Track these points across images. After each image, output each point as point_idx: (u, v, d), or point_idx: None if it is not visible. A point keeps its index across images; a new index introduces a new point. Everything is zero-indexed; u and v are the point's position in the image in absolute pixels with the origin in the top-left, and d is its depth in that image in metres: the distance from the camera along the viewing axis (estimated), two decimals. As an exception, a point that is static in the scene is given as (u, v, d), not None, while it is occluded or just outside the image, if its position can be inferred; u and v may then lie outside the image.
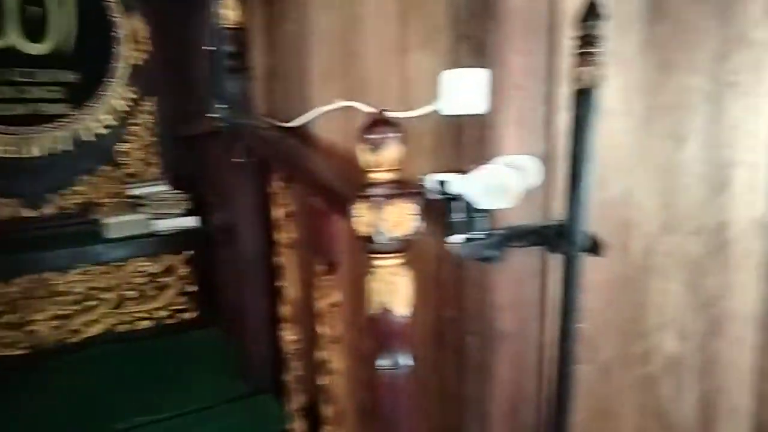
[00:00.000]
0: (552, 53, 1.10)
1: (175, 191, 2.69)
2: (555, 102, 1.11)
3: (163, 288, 2.62)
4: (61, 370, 2.36)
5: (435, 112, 1.17)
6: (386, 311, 1.09)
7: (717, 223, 1.43)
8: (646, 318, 1.35)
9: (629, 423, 1.40)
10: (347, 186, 1.15)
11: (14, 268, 2.36)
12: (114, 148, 2.82)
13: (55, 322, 2.44)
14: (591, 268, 1.22)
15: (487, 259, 1.11)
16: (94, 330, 2.52)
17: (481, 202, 0.90)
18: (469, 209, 1.06)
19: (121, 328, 2.57)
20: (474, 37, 1.08)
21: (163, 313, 2.64)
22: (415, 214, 1.06)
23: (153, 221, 2.62)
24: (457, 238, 1.05)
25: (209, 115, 1.83)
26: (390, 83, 1.36)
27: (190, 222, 2.63)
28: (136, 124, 2.83)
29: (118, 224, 2.55)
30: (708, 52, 1.32)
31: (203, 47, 1.78)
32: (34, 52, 2.63)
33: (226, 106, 1.80)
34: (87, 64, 2.73)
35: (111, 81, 2.78)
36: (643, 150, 1.27)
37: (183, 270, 2.65)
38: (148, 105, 2.81)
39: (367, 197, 1.03)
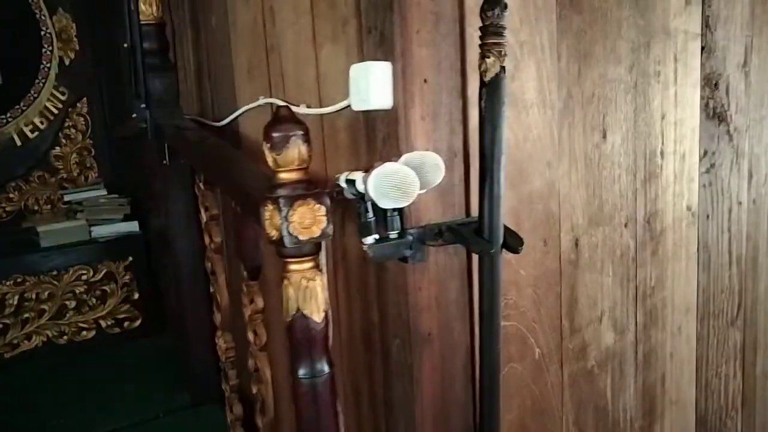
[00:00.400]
0: (461, 45, 1.05)
1: (113, 196, 2.59)
2: (467, 95, 1.07)
3: (104, 296, 2.53)
4: (-2, 387, 2.26)
5: (349, 107, 1.12)
6: (302, 317, 1.04)
7: (647, 213, 1.41)
8: (581, 312, 1.33)
9: (568, 419, 1.38)
10: (258, 188, 1.10)
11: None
12: (47, 153, 2.70)
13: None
14: (518, 264, 1.19)
15: (404, 259, 1.07)
16: (33, 343, 2.41)
17: (379, 202, 0.85)
18: (378, 208, 1.01)
19: (62, 339, 2.46)
20: (378, 29, 1.03)
21: (106, 323, 2.55)
22: (325, 215, 1.01)
23: (92, 227, 2.52)
24: (368, 239, 1.00)
25: (132, 116, 1.75)
26: (307, 78, 1.31)
27: (130, 227, 2.53)
28: (69, 127, 2.72)
29: (53, 232, 2.44)
30: (627, 42, 1.30)
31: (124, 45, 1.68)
32: (-46, 54, 2.50)
33: (145, 106, 1.72)
34: (13, 65, 2.59)
35: (40, 82, 2.65)
36: (566, 142, 1.24)
37: (125, 277, 2.56)
38: (80, 106, 2.70)
39: (274, 199, 0.98)
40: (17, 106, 2.64)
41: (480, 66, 0.98)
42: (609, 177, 1.33)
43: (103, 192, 2.63)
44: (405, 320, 1.10)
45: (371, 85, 1.01)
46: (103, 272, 2.51)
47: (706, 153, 1.52)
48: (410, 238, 1.04)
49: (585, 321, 1.34)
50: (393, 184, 0.82)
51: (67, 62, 2.66)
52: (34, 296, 2.40)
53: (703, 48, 1.46)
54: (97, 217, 2.53)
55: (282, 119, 1.00)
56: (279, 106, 1.04)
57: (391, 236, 1.03)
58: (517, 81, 1.14)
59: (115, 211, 2.54)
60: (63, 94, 2.68)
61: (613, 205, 1.35)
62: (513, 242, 1.04)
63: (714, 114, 1.52)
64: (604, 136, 1.30)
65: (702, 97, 1.48)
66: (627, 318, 1.42)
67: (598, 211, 1.32)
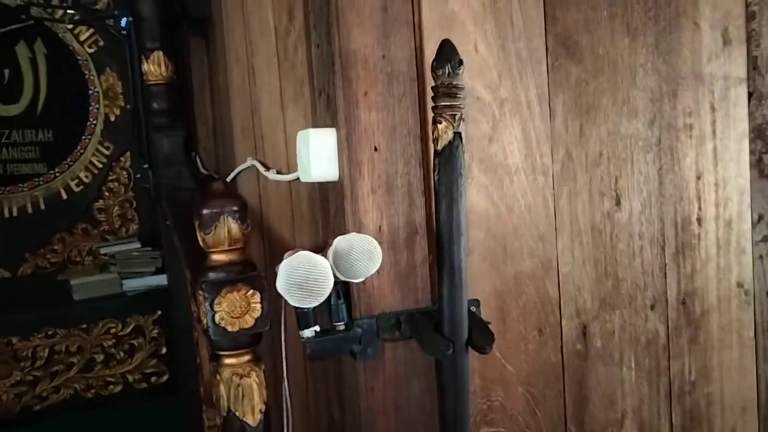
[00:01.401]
0: (421, 107, 0.91)
1: (146, 249, 2.60)
2: (427, 164, 0.91)
3: (132, 350, 2.51)
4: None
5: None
6: (234, 419, 0.91)
7: (681, 293, 1.17)
8: (593, 414, 1.10)
9: None
10: (197, 267, 0.99)
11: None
12: (91, 206, 2.77)
13: (19, 389, 2.36)
14: (506, 358, 1.00)
15: (354, 355, 0.91)
16: (61, 396, 2.42)
17: (288, 298, 0.71)
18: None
19: (89, 393, 2.46)
20: (325, 91, 0.91)
21: (133, 377, 2.52)
22: (260, 303, 0.89)
23: (123, 281, 2.53)
24: (306, 332, 0.86)
25: (137, 176, 1.72)
26: (277, 140, 1.20)
27: (160, 280, 2.52)
28: (112, 180, 2.78)
29: (85, 284, 2.47)
30: (645, 91, 1.10)
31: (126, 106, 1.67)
32: (7, 114, 2.63)
33: (148, 166, 1.68)
34: (62, 122, 2.71)
35: (86, 138, 2.74)
36: (565, 212, 1.05)
37: (153, 331, 2.53)
38: (123, 160, 2.76)
39: (200, 284, 0.87)
40: (64, 162, 2.73)
41: (432, 132, 0.83)
42: (626, 251, 1.11)
43: (137, 245, 2.65)
44: (359, 424, 0.93)
45: (312, 155, 0.89)
46: (132, 326, 2.50)
47: (761, 218, 1.26)
48: (359, 330, 0.89)
49: (600, 425, 1.11)
50: (295, 281, 0.68)
51: (112, 118, 2.75)
52: (63, 349, 2.41)
53: (751, 94, 1.22)
54: (129, 270, 2.54)
55: (213, 195, 0.90)
56: (210, 180, 0.93)
57: (337, 328, 0.88)
58: (496, 144, 0.97)
59: (147, 264, 2.54)
60: (107, 149, 2.76)
61: (633, 284, 1.12)
62: (481, 339, 0.86)
63: (770, 171, 1.27)
64: (618, 203, 1.10)
65: (752, 152, 1.24)
66: (659, 419, 1.17)
67: (613, 291, 1.10)
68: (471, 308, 0.96)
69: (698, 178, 1.17)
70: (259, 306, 0.88)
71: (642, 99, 1.11)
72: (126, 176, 2.79)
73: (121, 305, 2.47)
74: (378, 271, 0.90)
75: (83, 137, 2.75)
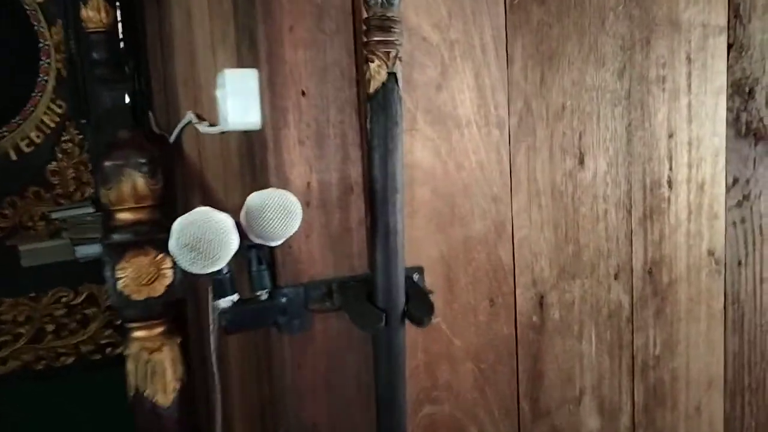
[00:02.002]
0: (354, 46, 0.79)
1: (100, 213, 2.47)
2: (363, 111, 0.81)
3: (86, 320, 2.40)
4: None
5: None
6: (143, 399, 0.81)
7: (648, 261, 1.08)
8: (548, 391, 1.03)
9: None
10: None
11: None
12: (43, 168, 2.62)
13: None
14: (452, 331, 0.91)
15: (279, 328, 0.81)
16: (8, 368, 2.31)
17: (180, 262, 0.60)
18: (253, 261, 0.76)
19: (40, 365, 2.35)
20: (248, 28, 0.79)
21: (86, 348, 2.42)
22: (172, 268, 0.78)
23: (76, 247, 2.40)
24: (221, 302, 0.76)
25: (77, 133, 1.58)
26: (210, 88, 1.08)
27: (114, 247, 2.40)
28: (66, 141, 2.62)
29: (34, 251, 2.34)
30: (616, 38, 0.99)
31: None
32: (-52, 67, 2.46)
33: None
34: (9, 78, 2.53)
35: (37, 95, 2.58)
36: (523, 170, 0.95)
37: (107, 300, 2.42)
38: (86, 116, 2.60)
39: (108, 246, 0.76)
40: (13, 120, 2.57)
41: (364, 73, 0.72)
42: (589, 215, 1.02)
43: (90, 209, 2.51)
44: (285, 403, 0.84)
45: (228, 100, 0.77)
46: (85, 295, 2.39)
47: (736, 181, 1.17)
48: (284, 300, 0.79)
49: (555, 402, 1.03)
50: (186, 242, 0.57)
51: (65, 74, 2.57)
52: (10, 318, 2.30)
53: (730, 45, 1.12)
54: (82, 236, 2.40)
55: (115, 145, 0.78)
56: (120, 131, 0.82)
57: (259, 298, 0.78)
58: (445, 91, 0.87)
59: (100, 229, 2.42)
60: (60, 107, 2.59)
61: (596, 251, 1.04)
62: (418, 309, 0.77)
63: (748, 130, 1.17)
64: (581, 162, 1.00)
65: (730, 109, 1.14)
66: (620, 396, 1.10)
67: (573, 258, 1.02)
68: (414, 276, 0.87)
69: (670, 136, 1.08)
70: (170, 272, 0.78)
71: (611, 46, 1.00)
72: (81, 137, 2.64)
73: (73, 273, 2.36)
74: (306, 234, 0.80)
75: (33, 94, 2.58)
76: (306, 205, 0.79)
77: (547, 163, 0.97)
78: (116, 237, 0.76)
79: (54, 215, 2.51)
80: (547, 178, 0.97)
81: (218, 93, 0.79)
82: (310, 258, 0.80)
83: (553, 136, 0.97)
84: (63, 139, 2.63)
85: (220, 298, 0.76)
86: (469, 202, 0.90)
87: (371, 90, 0.70)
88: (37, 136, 2.62)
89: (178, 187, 1.60)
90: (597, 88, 1.00)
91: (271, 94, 0.76)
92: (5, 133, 2.57)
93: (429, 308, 0.77)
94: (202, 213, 0.59)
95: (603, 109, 1.01)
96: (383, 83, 0.70)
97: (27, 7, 2.52)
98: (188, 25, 1.21)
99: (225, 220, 0.60)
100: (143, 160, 0.74)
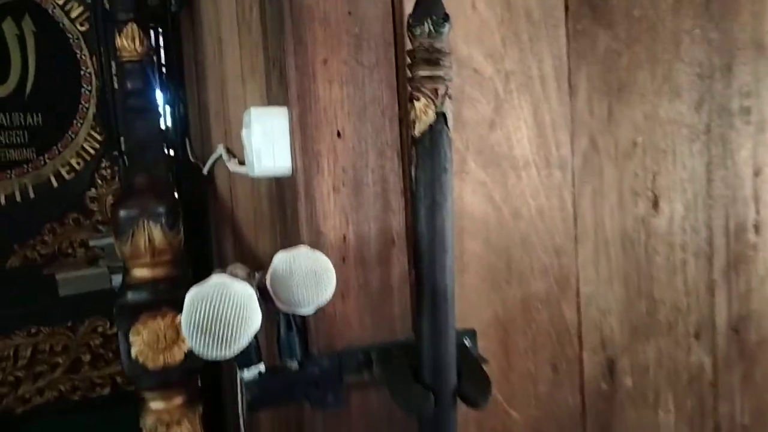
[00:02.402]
0: (397, 81, 0.70)
1: (137, 241, 2.44)
2: (407, 154, 0.71)
3: (121, 350, 2.36)
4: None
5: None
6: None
7: (733, 318, 0.94)
8: (618, 464, 0.89)
9: None
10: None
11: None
12: (83, 195, 2.62)
13: (0, 390, 2.23)
14: (510, 402, 0.79)
15: (310, 403, 0.71)
16: (44, 398, 2.28)
17: (192, 345, 0.51)
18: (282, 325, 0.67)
19: (75, 395, 2.32)
20: (277, 59, 0.71)
21: (122, 379, 2.37)
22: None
23: (113, 275, 2.37)
24: (247, 372, 0.66)
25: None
26: (238, 121, 1.00)
27: (150, 276, 2.36)
28: (105, 168, 2.62)
29: (72, 279, 2.32)
30: (692, 65, 0.87)
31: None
32: (-6, 96, 2.49)
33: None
34: (52, 105, 2.55)
35: (78, 122, 2.59)
36: (588, 216, 0.83)
37: (142, 330, 2.38)
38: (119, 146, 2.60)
39: (120, 308, 0.68)
40: (54, 147, 2.58)
41: (409, 113, 0.62)
42: (665, 266, 0.89)
43: (128, 238, 2.49)
44: (318, 488, 0.73)
45: (255, 142, 0.68)
46: (120, 324, 2.35)
47: (835, 224, 1.02)
48: (316, 370, 0.69)
49: (630, 481, 0.89)
50: (197, 323, 0.48)
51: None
52: (47, 348, 2.27)
53: (828, 70, 0.98)
54: (120, 264, 2.38)
55: (130, 192, 0.71)
56: (133, 174, 0.74)
57: (288, 367, 0.68)
58: (499, 130, 0.76)
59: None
60: (100, 134, 2.59)
61: (673, 307, 0.90)
62: (473, 387, 0.65)
63: None
64: (655, 206, 0.87)
65: (828, 143, 1.00)
66: (701, 473, 0.95)
67: (647, 316, 0.88)
68: (464, 342, 0.75)
69: (756, 174, 0.94)
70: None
71: (687, 75, 0.88)
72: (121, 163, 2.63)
73: (110, 302, 2.32)
74: (342, 294, 0.70)
75: (75, 121, 2.59)
76: (342, 260, 0.69)
77: (617, 207, 0.85)
78: (130, 296, 0.67)
79: (92, 242, 2.50)
80: (616, 225, 0.85)
81: (244, 133, 0.71)
82: (345, 321, 0.70)
83: (622, 177, 0.85)
84: (102, 165, 2.64)
85: (244, 367, 0.67)
86: (528, 256, 0.79)
87: (417, 132, 0.60)
88: (78, 163, 2.62)
89: (212, 222, 1.53)
90: (672, 123, 0.88)
91: (303, 136, 0.67)
92: (47, 160, 2.58)
93: (486, 386, 0.65)
94: (218, 286, 0.50)
95: (679, 145, 0.88)
96: (431, 125, 0.60)
97: (70, 36, 2.55)
98: (219, 54, 1.14)
99: (245, 293, 0.50)
100: (162, 210, 0.66)
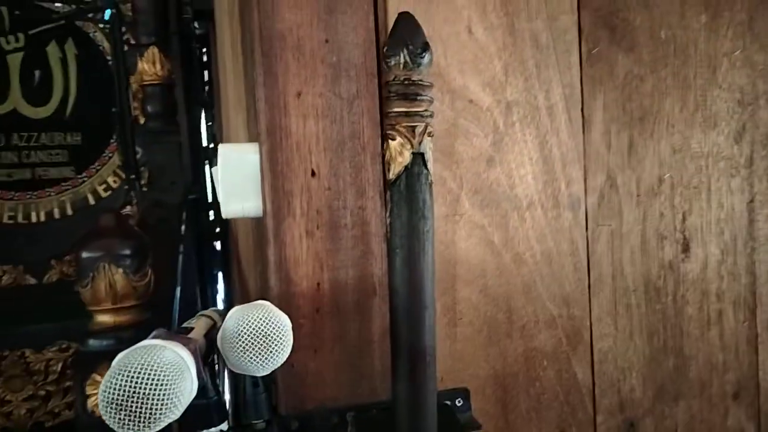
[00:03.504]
0: (380, 115, 0.63)
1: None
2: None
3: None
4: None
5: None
6: None
7: (779, 375, 0.82)
8: None
9: None
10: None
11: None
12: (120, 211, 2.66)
13: (31, 403, 2.26)
14: (508, 467, 0.71)
15: (280, 466, 0.64)
16: (74, 413, 2.30)
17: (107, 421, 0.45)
18: (231, 378, 0.61)
19: (103, 411, 2.33)
20: (252, 91, 0.65)
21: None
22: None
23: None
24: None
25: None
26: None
27: (179, 295, 2.36)
28: (142, 185, 2.65)
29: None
30: (731, 92, 0.77)
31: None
32: (36, 116, 2.56)
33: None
34: (90, 125, 2.61)
35: (115, 142, 2.63)
36: (605, 263, 0.73)
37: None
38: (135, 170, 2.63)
39: (77, 357, 0.64)
40: (92, 166, 2.64)
41: (383, 153, 0.55)
42: (697, 317, 0.78)
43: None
44: None
45: (224, 182, 0.63)
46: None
47: None
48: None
49: None
50: (110, 398, 0.42)
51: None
52: (77, 364, 2.30)
53: None
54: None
55: (92, 233, 0.67)
56: (103, 212, 0.70)
57: (255, 427, 0.62)
58: (498, 166, 0.68)
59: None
60: (137, 153, 2.63)
61: (707, 365, 0.79)
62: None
63: None
64: (686, 249, 0.77)
65: None
66: None
67: (676, 374, 0.78)
68: (456, 401, 0.67)
69: (809, 214, 0.82)
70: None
71: (726, 102, 0.78)
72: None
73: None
74: (314, 349, 0.63)
75: (112, 141, 2.64)
76: (315, 311, 0.63)
77: (638, 252, 0.75)
78: (91, 343, 0.62)
79: (124, 260, 2.52)
80: (638, 272, 0.75)
81: (222, 171, 0.65)
82: (318, 378, 0.63)
83: (646, 217, 0.75)
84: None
85: (206, 428, 0.61)
86: (532, 306, 0.70)
87: (392, 175, 0.53)
88: (114, 181, 2.66)
89: (233, 250, 1.50)
90: (707, 156, 0.77)
91: (273, 175, 0.61)
92: (84, 179, 2.64)
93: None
94: (142, 353, 0.44)
95: (715, 181, 0.78)
96: (406, 166, 0.53)
97: (108, 58, 2.60)
98: (224, 79, 1.10)
99: (174, 363, 0.44)
100: (126, 252, 0.61)
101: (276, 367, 0.52)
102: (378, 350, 0.65)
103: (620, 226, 0.74)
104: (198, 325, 0.58)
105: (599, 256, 0.73)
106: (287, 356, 0.53)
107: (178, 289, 0.85)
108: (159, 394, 0.42)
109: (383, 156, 0.63)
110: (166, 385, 0.43)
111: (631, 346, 0.75)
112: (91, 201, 2.65)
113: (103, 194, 2.66)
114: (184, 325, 0.61)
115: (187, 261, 1.14)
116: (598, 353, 0.74)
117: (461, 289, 0.67)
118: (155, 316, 0.66)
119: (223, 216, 0.65)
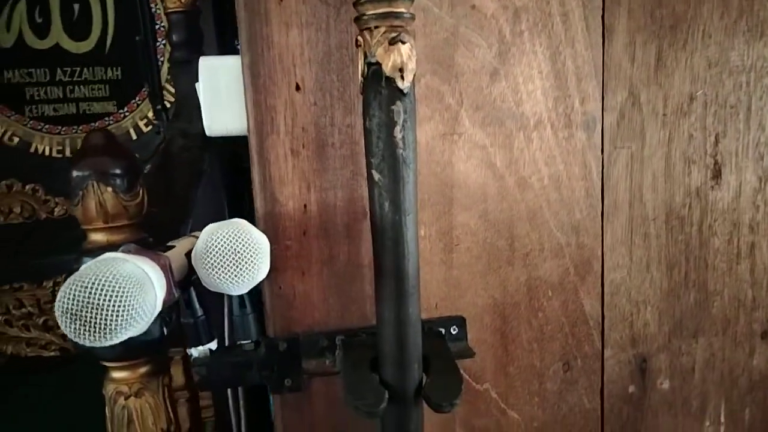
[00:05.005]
0: (366, 19, 0.58)
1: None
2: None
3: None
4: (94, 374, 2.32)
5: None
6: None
7: (816, 314, 0.76)
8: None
9: None
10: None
11: (45, 271, 2.35)
12: (159, 147, 2.70)
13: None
14: (508, 401, 0.69)
15: (266, 386, 0.65)
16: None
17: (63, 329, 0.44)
18: (210, 299, 0.61)
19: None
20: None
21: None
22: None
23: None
24: (195, 351, 0.61)
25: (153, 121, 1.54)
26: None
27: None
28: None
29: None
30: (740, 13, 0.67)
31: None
32: (78, 51, 2.60)
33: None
34: (130, 59, 2.63)
35: (155, 76, 2.65)
36: (622, 188, 0.68)
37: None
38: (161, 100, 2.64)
39: (71, 273, 0.64)
40: (133, 101, 2.67)
41: (357, 55, 0.50)
42: (726, 250, 0.72)
43: (198, 189, 2.55)
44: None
45: (203, 98, 0.60)
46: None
47: None
48: (272, 353, 0.62)
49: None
50: (65, 308, 0.41)
51: (168, 51, 2.62)
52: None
53: None
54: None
55: (82, 151, 0.66)
56: (91, 130, 0.69)
57: (244, 347, 0.62)
58: (503, 80, 0.62)
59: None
60: (174, 87, 2.64)
61: (734, 301, 0.73)
62: (439, 387, 0.55)
63: None
64: (717, 176, 0.70)
65: None
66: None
67: (697, 309, 0.72)
68: (452, 330, 0.65)
69: None
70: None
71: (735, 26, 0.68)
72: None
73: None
74: (302, 272, 0.62)
75: (152, 75, 2.66)
76: (302, 233, 0.61)
77: (661, 177, 0.68)
78: (85, 261, 0.62)
79: (168, 193, 2.59)
80: (660, 199, 0.69)
81: (204, 85, 0.63)
82: (307, 302, 0.62)
83: (672, 139, 0.68)
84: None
85: (194, 345, 0.61)
86: (537, 233, 0.66)
87: (365, 77, 0.49)
88: (154, 117, 2.70)
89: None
90: (749, 70, 0.69)
91: (255, 89, 0.57)
92: (126, 113, 2.68)
93: (454, 388, 0.55)
94: (100, 264, 0.43)
95: (757, 100, 0.70)
96: (369, 73, 0.48)
97: (146, -10, 2.58)
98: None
99: (132, 276, 0.43)
100: (116, 171, 0.60)
101: (249, 285, 0.51)
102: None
103: (641, 148, 0.68)
104: (181, 244, 0.57)
105: (615, 181, 0.67)
106: (262, 275, 0.51)
107: (190, 219, 0.85)
108: (114, 306, 0.41)
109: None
110: (122, 296, 0.42)
111: (647, 278, 0.70)
112: (134, 136, 2.70)
113: (144, 129, 2.71)
114: (170, 243, 0.60)
115: (209, 190, 1.14)
116: (610, 285, 0.69)
117: (459, 213, 0.63)
118: (166, 238, 0.65)
119: (207, 134, 0.62)
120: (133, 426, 0.68)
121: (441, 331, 0.63)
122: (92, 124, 2.65)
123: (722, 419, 0.76)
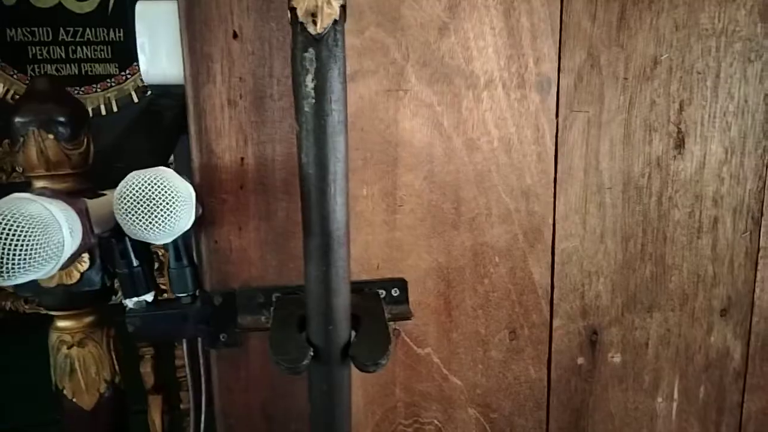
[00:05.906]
0: (305, -36, 0.56)
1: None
2: (316, 62, 0.57)
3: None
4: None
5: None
6: (64, 398, 0.71)
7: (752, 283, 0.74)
8: (599, 451, 0.75)
9: None
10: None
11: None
12: (162, 110, 2.70)
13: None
14: (449, 366, 0.68)
15: (202, 340, 0.65)
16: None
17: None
18: (143, 250, 0.60)
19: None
20: (176, -58, 0.59)
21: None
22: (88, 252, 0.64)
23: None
24: (130, 301, 0.61)
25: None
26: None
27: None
28: (182, 85, 2.67)
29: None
30: (753, -53, 0.63)
31: None
32: (81, 11, 2.58)
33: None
34: (132, 20, 2.60)
35: (156, 39, 2.63)
36: (579, 154, 0.65)
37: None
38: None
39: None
40: (135, 63, 2.66)
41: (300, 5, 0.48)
42: (686, 222, 0.70)
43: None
44: (216, 430, 0.68)
45: (141, 43, 0.59)
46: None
47: None
48: (207, 307, 0.61)
49: (606, 472, 0.75)
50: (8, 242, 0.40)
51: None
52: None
53: None
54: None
55: (25, 97, 0.65)
56: (37, 75, 0.68)
57: (181, 300, 0.62)
58: (453, 35, 0.60)
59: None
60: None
61: (692, 275, 0.71)
62: (365, 347, 0.54)
63: None
64: (680, 145, 0.67)
65: None
66: (712, 474, 0.78)
67: (653, 283, 0.71)
68: (393, 292, 0.64)
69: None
70: (87, 256, 0.63)
71: (748, -31, 0.64)
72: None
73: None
74: (239, 226, 0.61)
75: (153, 38, 2.65)
76: (239, 187, 0.60)
77: (620, 144, 0.66)
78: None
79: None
80: (617, 167, 0.67)
81: (141, 30, 0.61)
82: (243, 257, 0.61)
83: (633, 105, 0.65)
84: (180, 82, 2.69)
85: (130, 296, 0.61)
86: (485, 197, 0.64)
87: (318, 29, 0.47)
88: (157, 79, 2.70)
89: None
90: (719, 34, 0.66)
91: (190, 36, 0.56)
92: (128, 76, 2.67)
93: (380, 348, 0.54)
94: (3, 203, 0.43)
95: (727, 67, 0.66)
96: (335, 20, 0.46)
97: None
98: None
99: (35, 216, 0.42)
100: (59, 119, 0.59)
101: (169, 234, 0.50)
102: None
103: (599, 113, 0.65)
104: (112, 192, 0.57)
105: (570, 146, 0.65)
106: (183, 225, 0.50)
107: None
108: (11, 244, 0.41)
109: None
110: (21, 235, 0.41)
111: (601, 248, 0.68)
112: (135, 99, 2.70)
113: (148, 92, 2.71)
114: (102, 192, 0.60)
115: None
116: (561, 254, 0.67)
117: (403, 173, 0.62)
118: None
119: (145, 82, 0.61)
120: (76, 375, 0.69)
121: (378, 293, 0.62)
122: (94, 85, 2.65)
123: (675, 395, 0.74)
